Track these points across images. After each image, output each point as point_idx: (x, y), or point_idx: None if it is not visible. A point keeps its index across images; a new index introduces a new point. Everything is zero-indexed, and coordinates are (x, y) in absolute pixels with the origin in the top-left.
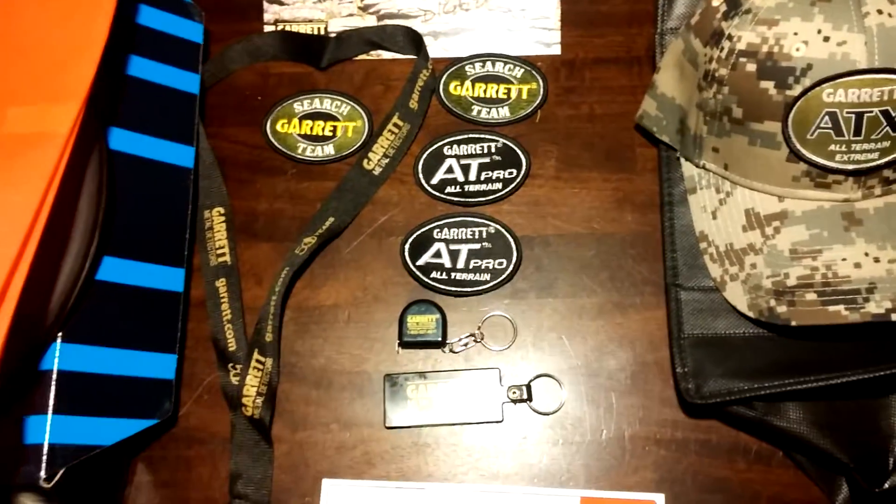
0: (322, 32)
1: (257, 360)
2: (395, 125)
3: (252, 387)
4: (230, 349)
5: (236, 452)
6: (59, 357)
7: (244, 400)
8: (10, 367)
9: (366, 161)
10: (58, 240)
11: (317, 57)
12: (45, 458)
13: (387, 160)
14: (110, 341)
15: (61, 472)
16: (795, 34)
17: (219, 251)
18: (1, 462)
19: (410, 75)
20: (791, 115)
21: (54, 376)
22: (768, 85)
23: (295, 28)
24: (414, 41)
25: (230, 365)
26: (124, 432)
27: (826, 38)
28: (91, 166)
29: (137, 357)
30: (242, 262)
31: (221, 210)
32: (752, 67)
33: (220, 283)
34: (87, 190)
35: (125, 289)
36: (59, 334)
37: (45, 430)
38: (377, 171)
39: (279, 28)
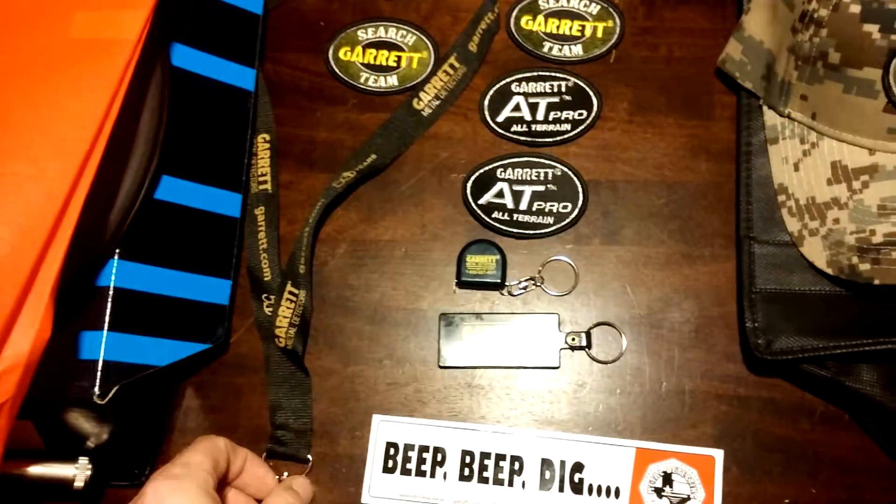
0: None
1: (290, 292)
2: (451, 66)
3: (285, 318)
4: (265, 279)
5: (272, 383)
6: (115, 274)
7: (277, 331)
8: (68, 280)
9: (416, 101)
10: (120, 153)
11: None
12: (99, 374)
13: (437, 102)
14: (167, 262)
15: (115, 389)
16: None
17: (261, 178)
18: (56, 376)
19: (475, 16)
20: (894, 62)
21: (111, 293)
22: (872, 28)
23: None
24: None
25: (264, 296)
26: (177, 354)
27: None
28: (154, 80)
29: (193, 280)
30: (299, 191)
31: (267, 136)
32: (855, 8)
33: (259, 211)
34: (149, 104)
35: (183, 210)
36: (117, 251)
37: (101, 346)
38: (426, 111)
39: None
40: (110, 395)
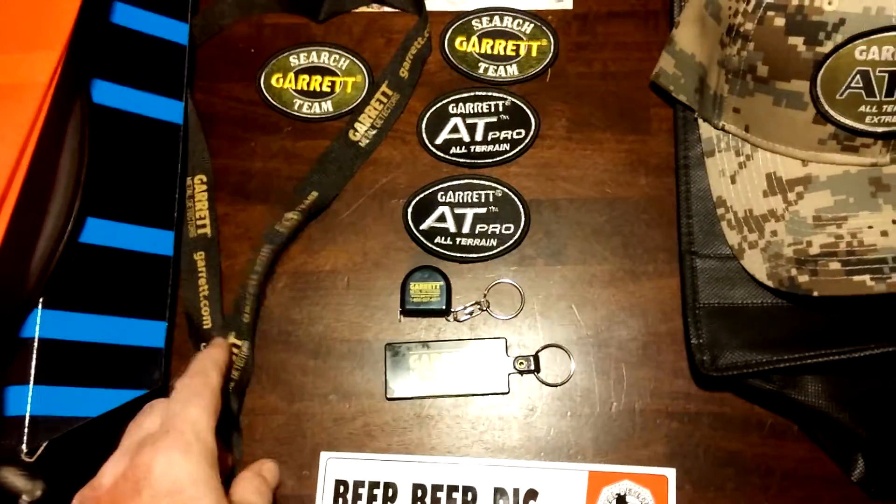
0: None
1: (233, 344)
2: (384, 94)
3: None
4: (204, 327)
5: None
6: (40, 324)
7: None
8: None
9: (351, 132)
10: (38, 197)
11: (314, 8)
12: (26, 430)
13: (374, 131)
14: (95, 307)
15: (44, 445)
16: None
17: (199, 222)
18: None
19: (404, 41)
20: (820, 74)
21: (35, 344)
22: (797, 41)
23: None
24: (416, 4)
25: (202, 345)
26: (111, 403)
27: None
28: (73, 120)
29: (124, 324)
30: (236, 223)
31: (203, 178)
32: (780, 22)
33: (199, 257)
34: (68, 145)
35: (111, 252)
36: (41, 300)
37: (27, 401)
38: (363, 142)
39: None
40: (39, 451)
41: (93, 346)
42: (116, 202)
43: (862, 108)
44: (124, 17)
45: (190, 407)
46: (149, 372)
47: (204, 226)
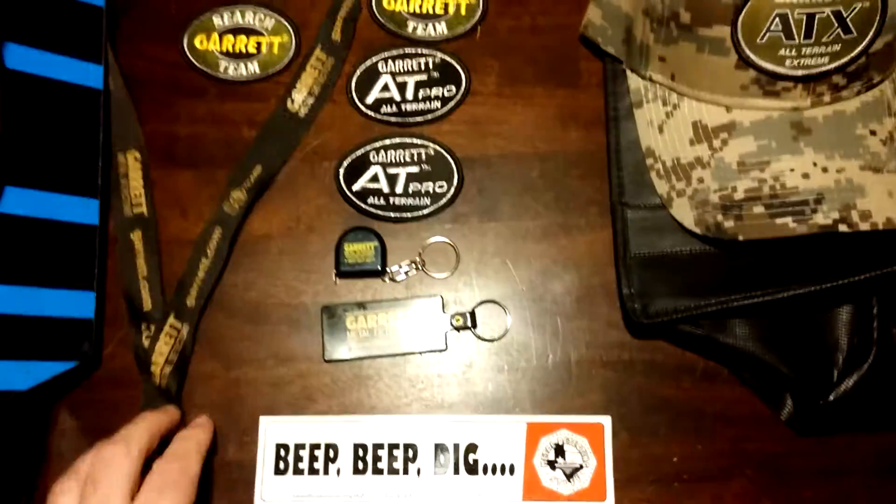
0: None
1: (171, 326)
2: (318, 59)
3: (161, 354)
4: (145, 308)
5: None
6: None
7: (153, 367)
8: None
9: (289, 102)
10: None
11: None
12: None
13: (312, 99)
14: (18, 278)
15: None
16: None
17: (135, 200)
18: None
19: (332, 4)
20: (741, 18)
21: None
22: None
23: None
24: None
25: (144, 325)
26: (40, 376)
27: None
28: None
29: (50, 295)
30: (165, 190)
31: (137, 155)
32: None
33: (136, 236)
34: None
35: (31, 221)
36: None
37: None
38: (303, 111)
39: None
40: None
41: (17, 318)
42: (36, 170)
43: (782, 52)
44: None
45: (164, 500)
46: (78, 343)
47: (140, 204)
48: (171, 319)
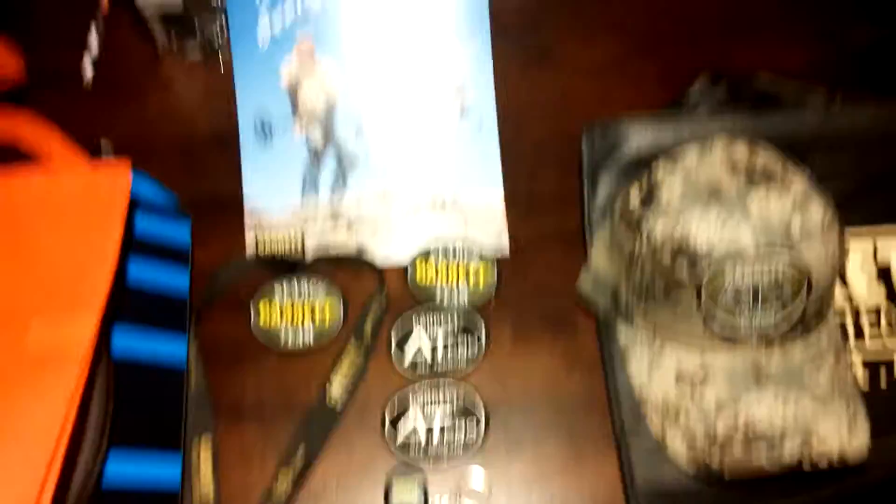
0: (298, 248)
1: None
2: (350, 356)
3: None
4: None
5: None
6: None
7: None
8: None
9: (328, 398)
10: (70, 453)
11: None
12: None
13: (347, 396)
14: None
15: None
16: (697, 226)
17: (203, 489)
18: None
19: (364, 308)
20: (703, 291)
21: None
22: (682, 265)
23: (271, 236)
24: (377, 273)
25: None
26: None
27: (722, 227)
28: (99, 378)
29: None
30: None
31: (208, 444)
32: (668, 251)
33: None
34: (96, 402)
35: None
36: None
37: None
38: (339, 407)
39: (257, 239)
40: None
41: None
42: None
43: (738, 315)
44: (138, 273)
45: None
46: None
47: (207, 493)
48: None
